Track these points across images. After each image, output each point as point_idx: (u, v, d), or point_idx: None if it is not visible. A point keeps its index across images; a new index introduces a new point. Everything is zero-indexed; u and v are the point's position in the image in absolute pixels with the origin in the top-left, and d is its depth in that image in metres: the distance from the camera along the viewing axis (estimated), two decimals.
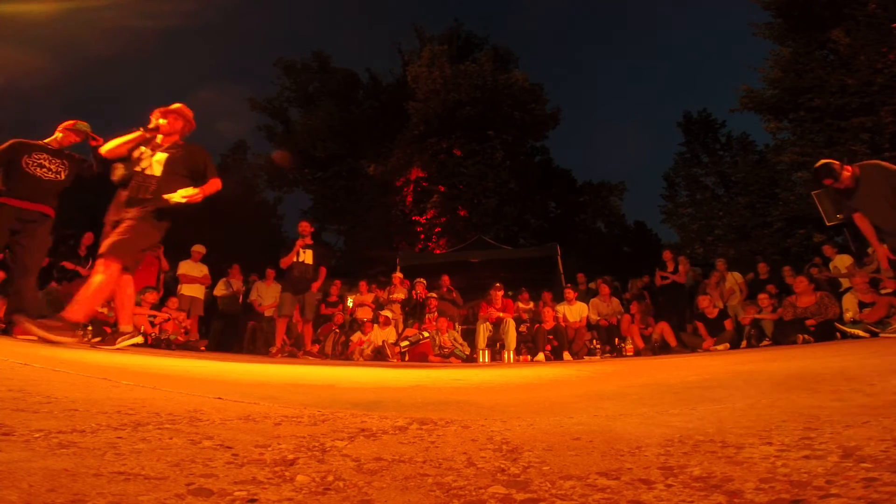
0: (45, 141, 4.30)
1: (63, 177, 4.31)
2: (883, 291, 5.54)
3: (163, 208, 3.38)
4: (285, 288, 6.08)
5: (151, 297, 6.36)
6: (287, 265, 6.04)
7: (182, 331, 6.66)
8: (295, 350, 6.35)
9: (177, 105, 3.78)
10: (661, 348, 6.64)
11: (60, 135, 4.33)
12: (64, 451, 0.68)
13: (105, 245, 3.21)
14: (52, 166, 4.21)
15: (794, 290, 6.29)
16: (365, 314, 7.33)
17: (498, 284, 7.24)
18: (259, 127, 23.10)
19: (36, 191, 4.08)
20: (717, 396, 1.31)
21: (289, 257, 6.03)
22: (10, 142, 4.16)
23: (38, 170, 4.13)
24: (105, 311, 5.85)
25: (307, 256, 6.10)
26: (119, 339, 3.48)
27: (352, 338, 6.77)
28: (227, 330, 7.60)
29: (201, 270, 7.43)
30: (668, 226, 18.40)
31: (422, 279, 7.77)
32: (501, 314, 6.89)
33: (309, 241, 6.22)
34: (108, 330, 5.21)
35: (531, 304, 7.67)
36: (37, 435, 0.75)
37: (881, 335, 3.53)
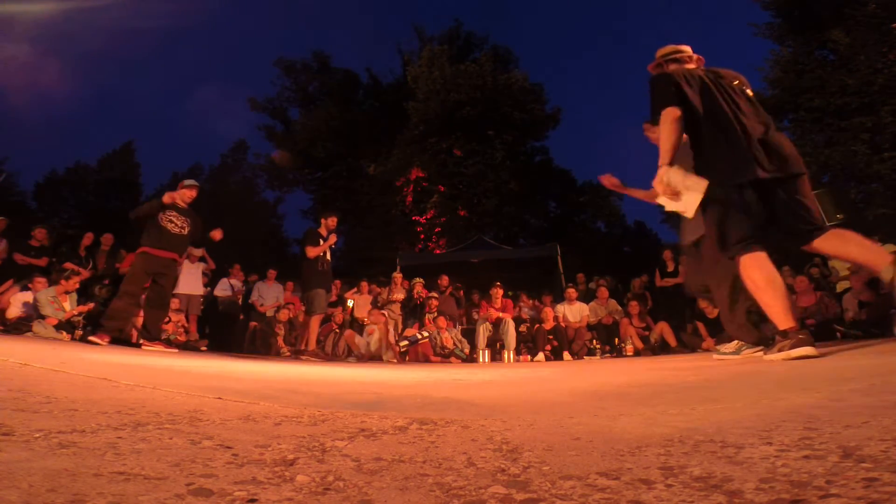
0: (176, 201, 5.08)
1: (186, 232, 5.06)
2: (882, 292, 5.54)
3: None
4: (317, 284, 5.83)
5: None
6: (314, 255, 5.79)
7: (182, 331, 6.66)
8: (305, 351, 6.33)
9: None
10: (661, 348, 6.63)
11: (180, 193, 5.09)
12: (64, 451, 0.68)
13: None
14: (178, 222, 5.00)
15: (794, 289, 6.29)
16: (365, 314, 7.33)
17: (498, 284, 7.24)
18: (259, 127, 23.16)
19: (169, 242, 4.88)
20: (717, 396, 1.31)
21: (320, 248, 5.80)
22: (153, 202, 5.07)
23: (169, 224, 4.92)
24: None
25: (328, 252, 6.00)
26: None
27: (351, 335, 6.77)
28: (227, 330, 7.60)
29: (199, 268, 7.42)
30: (668, 226, 18.40)
31: (420, 279, 7.76)
32: (501, 314, 6.89)
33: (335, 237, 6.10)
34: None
35: (531, 303, 7.67)
36: (37, 435, 0.75)
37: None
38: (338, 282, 8.58)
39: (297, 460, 0.70)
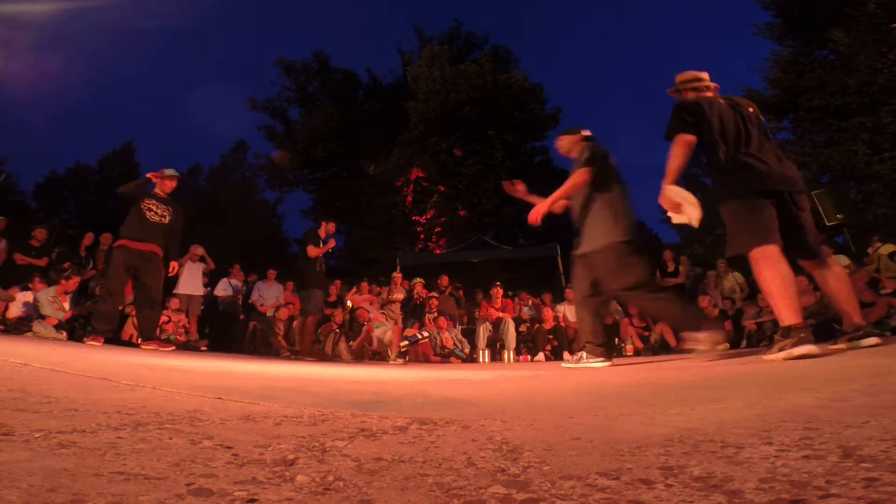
0: (156, 190, 4.89)
1: (167, 220, 4.81)
2: (883, 292, 5.54)
3: None
4: (312, 284, 5.94)
5: None
6: (315, 255, 5.91)
7: (182, 331, 6.66)
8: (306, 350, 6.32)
9: None
10: (661, 348, 6.63)
11: (158, 182, 4.89)
12: (64, 451, 0.68)
13: None
14: (158, 210, 4.76)
15: None
16: (365, 314, 7.32)
17: (498, 284, 7.24)
18: (259, 127, 23.14)
19: (148, 232, 4.64)
20: (717, 396, 1.31)
21: (321, 250, 5.93)
22: (142, 180, 4.86)
23: (148, 213, 4.70)
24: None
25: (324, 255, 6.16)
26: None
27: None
28: (227, 330, 7.60)
29: (199, 268, 7.43)
30: (667, 226, 18.39)
31: (420, 279, 7.77)
32: (501, 314, 6.89)
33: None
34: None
35: (535, 301, 7.67)
36: (37, 435, 0.75)
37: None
38: (338, 281, 8.58)
39: (297, 460, 0.70)
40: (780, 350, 2.16)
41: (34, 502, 0.48)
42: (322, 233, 6.09)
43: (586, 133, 3.49)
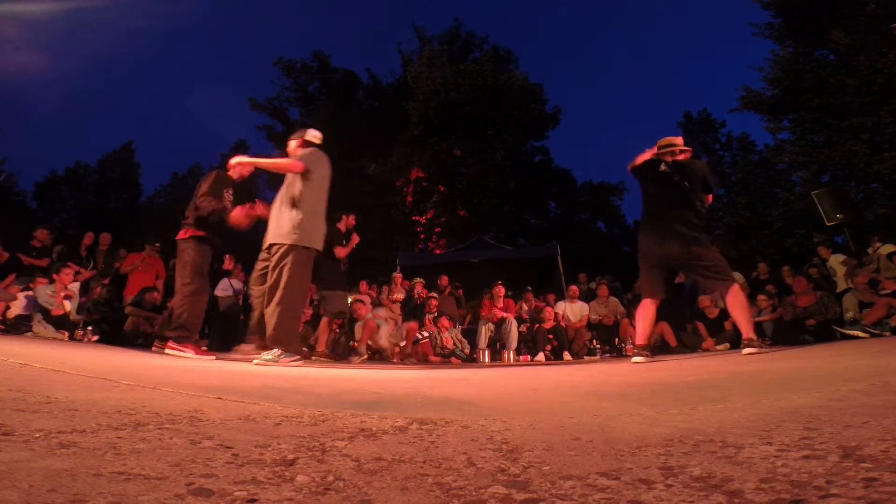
0: (229, 173, 4.38)
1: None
2: (882, 292, 5.54)
3: None
4: (338, 284, 5.67)
5: (151, 298, 6.37)
6: (343, 256, 5.61)
7: None
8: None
9: None
10: (661, 348, 6.63)
11: (234, 168, 4.35)
12: (64, 451, 0.68)
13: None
14: (230, 201, 4.34)
15: (793, 290, 6.28)
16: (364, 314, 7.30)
17: (500, 283, 7.23)
18: (259, 127, 23.13)
19: (222, 226, 4.22)
20: (717, 396, 1.31)
21: (348, 248, 5.63)
22: (216, 172, 4.31)
23: (230, 205, 4.27)
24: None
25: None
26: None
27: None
28: (228, 330, 7.60)
29: None
30: None
31: (420, 279, 7.76)
32: (504, 314, 6.88)
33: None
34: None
35: (534, 304, 7.67)
36: (37, 435, 0.75)
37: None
38: None
39: (297, 460, 0.70)
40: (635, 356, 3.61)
41: (34, 502, 0.48)
42: (342, 227, 5.71)
43: (312, 139, 3.64)
